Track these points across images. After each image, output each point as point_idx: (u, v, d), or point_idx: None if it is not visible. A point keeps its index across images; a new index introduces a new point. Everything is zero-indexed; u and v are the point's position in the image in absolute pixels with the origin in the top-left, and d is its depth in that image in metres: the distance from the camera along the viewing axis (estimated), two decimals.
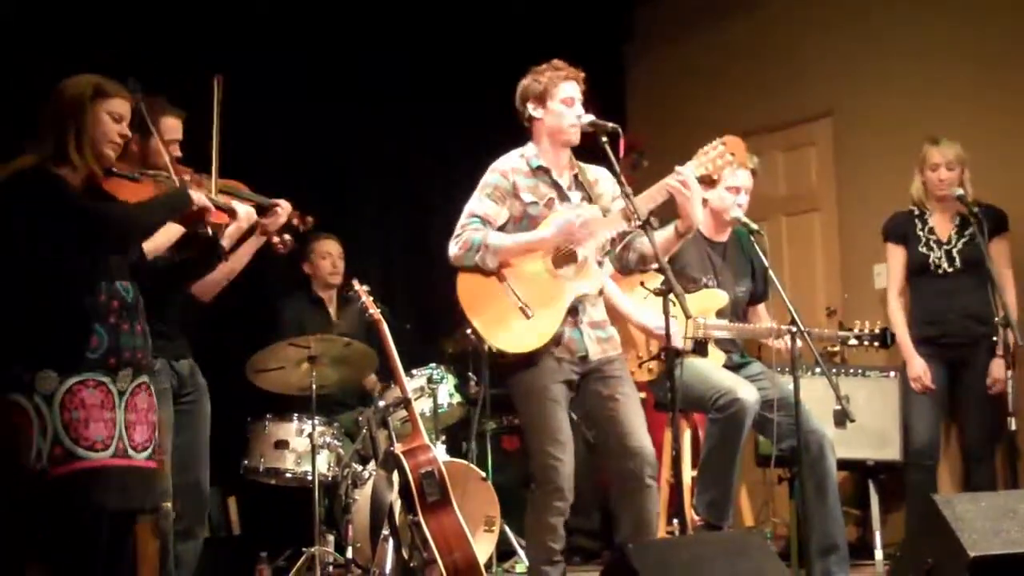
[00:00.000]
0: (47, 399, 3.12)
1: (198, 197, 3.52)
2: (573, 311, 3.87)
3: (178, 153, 4.08)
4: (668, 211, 3.98)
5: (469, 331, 4.01)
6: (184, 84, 4.21)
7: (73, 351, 3.17)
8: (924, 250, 5.08)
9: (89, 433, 3.14)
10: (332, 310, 5.89)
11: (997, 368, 4.81)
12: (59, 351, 3.16)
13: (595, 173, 4.04)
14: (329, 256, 5.82)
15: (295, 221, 4.38)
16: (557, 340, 3.83)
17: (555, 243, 3.87)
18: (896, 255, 5.18)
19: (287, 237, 4.13)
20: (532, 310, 3.82)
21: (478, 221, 3.89)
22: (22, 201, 3.19)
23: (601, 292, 3.99)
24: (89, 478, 3.14)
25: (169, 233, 3.78)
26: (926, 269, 5.07)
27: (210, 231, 3.65)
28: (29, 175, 3.19)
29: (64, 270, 3.20)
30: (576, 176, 4.01)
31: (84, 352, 3.18)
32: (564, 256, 3.89)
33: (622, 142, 3.83)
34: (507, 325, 3.82)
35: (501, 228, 3.91)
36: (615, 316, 4.16)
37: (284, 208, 4.15)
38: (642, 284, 4.20)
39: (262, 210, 4.18)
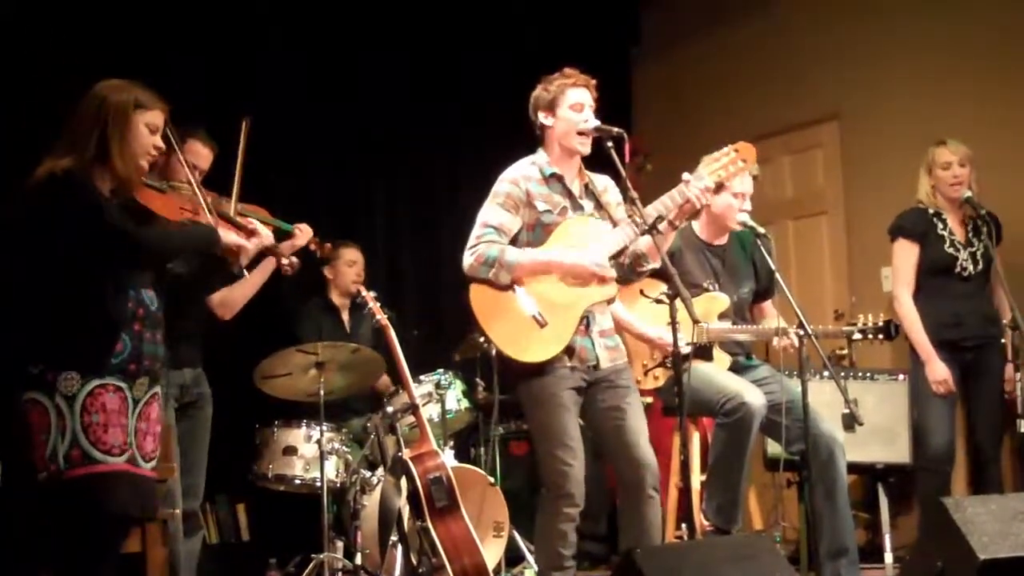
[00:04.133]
0: (69, 400, 3.12)
1: (228, 237, 3.58)
2: (584, 320, 3.87)
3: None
4: None
5: (483, 340, 4.00)
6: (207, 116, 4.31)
7: (98, 355, 3.18)
8: (951, 251, 4.94)
9: (108, 438, 3.16)
10: (345, 317, 5.91)
11: (1011, 372, 4.78)
12: (84, 354, 3.16)
13: (602, 182, 4.04)
14: (355, 264, 5.86)
15: (313, 246, 4.47)
16: (570, 349, 3.83)
17: (570, 273, 3.85)
18: (909, 252, 5.01)
19: (294, 260, 4.18)
20: (546, 319, 3.81)
21: (493, 232, 3.86)
22: (59, 206, 3.17)
23: (611, 301, 3.99)
24: (104, 482, 3.15)
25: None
26: (950, 270, 4.94)
27: (236, 269, 3.75)
28: (64, 180, 3.17)
29: (95, 275, 3.20)
30: (587, 185, 4.01)
31: (108, 357, 3.18)
32: None
33: (627, 147, 3.83)
34: (521, 335, 3.81)
35: (514, 237, 3.90)
36: (616, 327, 4.14)
37: (304, 232, 4.26)
38: (642, 292, 4.20)
39: (282, 234, 4.29)
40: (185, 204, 3.68)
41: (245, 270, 3.98)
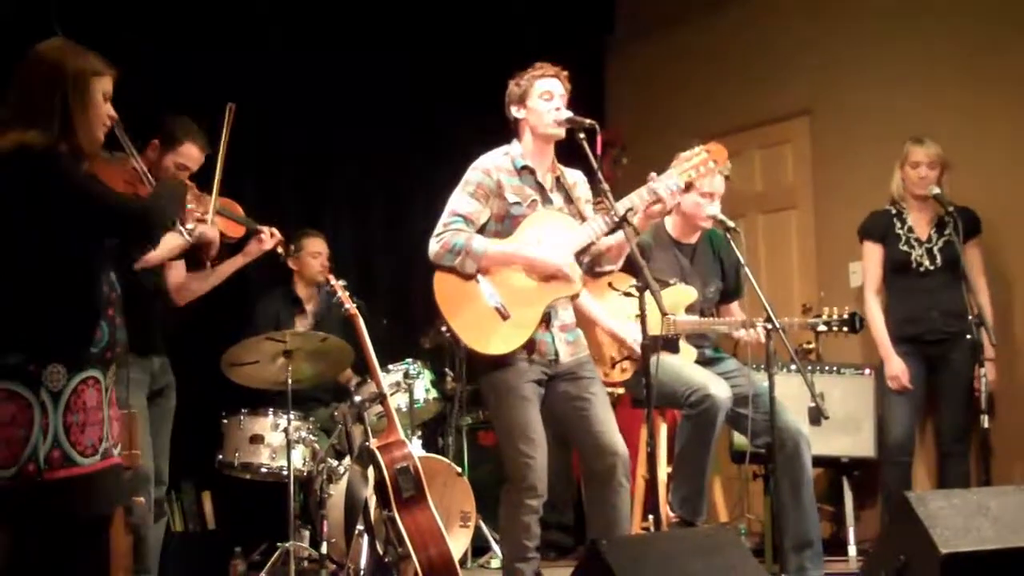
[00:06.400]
0: (54, 397, 2.93)
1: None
2: (546, 315, 3.86)
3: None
4: None
5: (445, 330, 3.99)
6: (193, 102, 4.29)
7: (82, 344, 2.99)
8: (905, 248, 5.09)
9: (84, 438, 2.98)
10: (310, 308, 5.88)
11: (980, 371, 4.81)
12: (69, 343, 2.98)
13: (573, 177, 4.04)
14: (319, 256, 5.84)
15: (279, 249, 4.46)
16: (530, 343, 3.82)
17: (537, 268, 3.85)
18: (873, 253, 5.19)
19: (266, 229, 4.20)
20: (509, 312, 3.80)
21: (461, 221, 3.85)
22: (44, 186, 2.96)
23: (576, 296, 3.99)
24: (83, 485, 2.98)
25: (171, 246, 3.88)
26: (907, 267, 5.08)
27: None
28: (46, 158, 2.95)
29: (79, 257, 3.01)
30: (558, 179, 4.01)
31: (90, 345, 3.01)
32: None
33: (599, 139, 3.83)
34: (484, 326, 3.80)
35: (482, 227, 3.89)
36: (583, 320, 4.14)
37: (271, 236, 4.25)
38: (610, 285, 4.20)
39: (251, 234, 4.27)
40: (128, 177, 3.51)
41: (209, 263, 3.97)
